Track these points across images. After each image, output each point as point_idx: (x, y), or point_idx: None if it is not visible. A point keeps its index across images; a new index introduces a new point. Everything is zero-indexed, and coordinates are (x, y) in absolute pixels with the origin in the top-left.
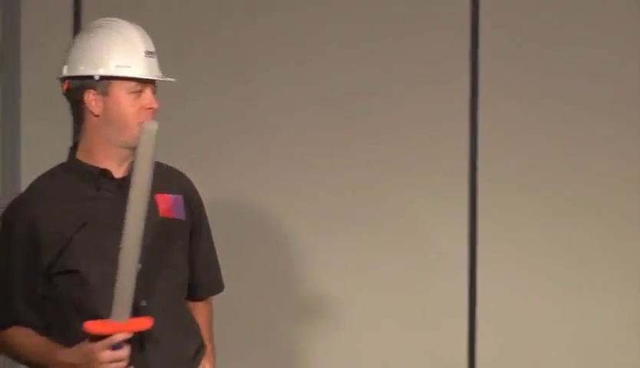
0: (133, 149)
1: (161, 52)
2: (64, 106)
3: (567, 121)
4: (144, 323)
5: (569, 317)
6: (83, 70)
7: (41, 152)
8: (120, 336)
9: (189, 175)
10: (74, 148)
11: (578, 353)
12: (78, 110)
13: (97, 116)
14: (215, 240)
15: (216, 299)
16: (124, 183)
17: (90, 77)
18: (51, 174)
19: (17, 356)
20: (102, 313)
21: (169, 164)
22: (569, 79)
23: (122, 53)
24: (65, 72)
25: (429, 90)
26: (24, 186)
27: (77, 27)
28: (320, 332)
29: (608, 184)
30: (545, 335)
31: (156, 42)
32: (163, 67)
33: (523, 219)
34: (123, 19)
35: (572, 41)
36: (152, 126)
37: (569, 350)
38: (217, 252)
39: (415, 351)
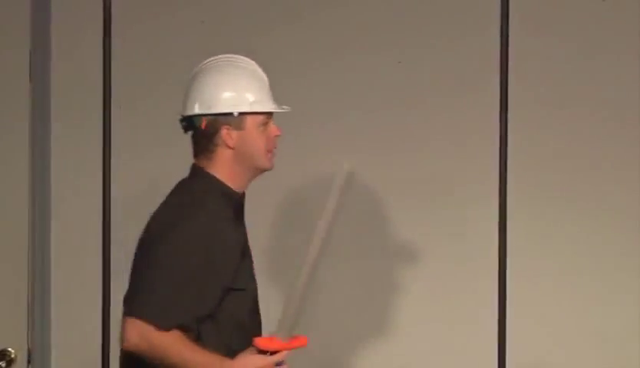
0: (262, 172)
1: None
2: (93, 111)
3: (597, 129)
4: (302, 341)
5: (600, 326)
6: (220, 108)
7: (70, 156)
8: (284, 355)
9: None
10: (206, 172)
11: (612, 362)
12: (210, 143)
13: (231, 148)
14: None
15: None
16: (244, 200)
17: (229, 114)
18: (211, 193)
19: (168, 360)
20: (250, 329)
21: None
22: (602, 87)
23: (254, 90)
24: (197, 110)
25: (458, 100)
26: (54, 190)
27: (106, 33)
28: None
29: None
30: (575, 343)
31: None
32: None
33: (555, 227)
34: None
35: (607, 48)
36: (350, 167)
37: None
38: None
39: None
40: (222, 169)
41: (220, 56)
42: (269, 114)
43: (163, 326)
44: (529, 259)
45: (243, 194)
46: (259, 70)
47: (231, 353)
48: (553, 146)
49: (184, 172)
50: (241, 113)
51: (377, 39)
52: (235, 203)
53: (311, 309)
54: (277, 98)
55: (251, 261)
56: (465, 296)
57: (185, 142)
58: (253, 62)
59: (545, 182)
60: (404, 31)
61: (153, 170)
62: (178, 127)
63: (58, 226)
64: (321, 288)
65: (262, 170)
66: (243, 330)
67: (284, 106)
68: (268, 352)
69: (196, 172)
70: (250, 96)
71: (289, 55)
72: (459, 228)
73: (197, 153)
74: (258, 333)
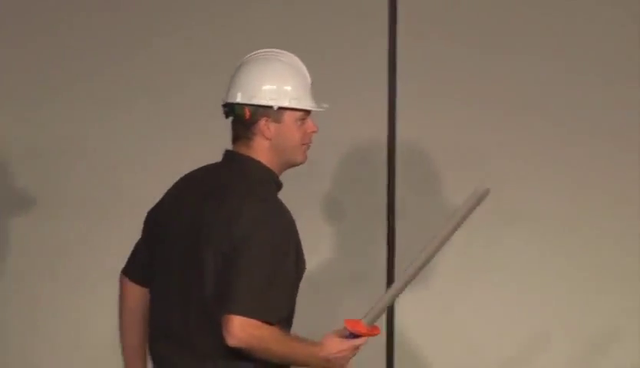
0: (295, 165)
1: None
2: None
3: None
4: (378, 330)
5: None
6: (262, 101)
7: None
8: (364, 340)
9: None
10: (252, 159)
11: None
12: (249, 131)
13: (268, 139)
14: None
15: None
16: None
17: (268, 107)
18: (268, 179)
19: (276, 352)
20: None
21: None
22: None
23: (296, 86)
24: (239, 99)
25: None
26: None
27: None
28: None
29: None
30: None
31: None
32: None
33: None
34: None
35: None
36: (486, 191)
37: None
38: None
39: None
40: (261, 157)
41: (267, 49)
42: (308, 111)
43: (271, 321)
44: None
45: None
46: (303, 68)
47: None
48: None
49: None
50: (280, 108)
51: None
52: (278, 189)
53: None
54: None
55: None
56: None
57: None
58: (298, 59)
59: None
60: (291, 33)
61: None
62: None
63: None
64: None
65: (296, 164)
66: (290, 322)
67: (323, 105)
68: (351, 334)
69: (240, 158)
70: (291, 92)
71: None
72: None
73: (236, 140)
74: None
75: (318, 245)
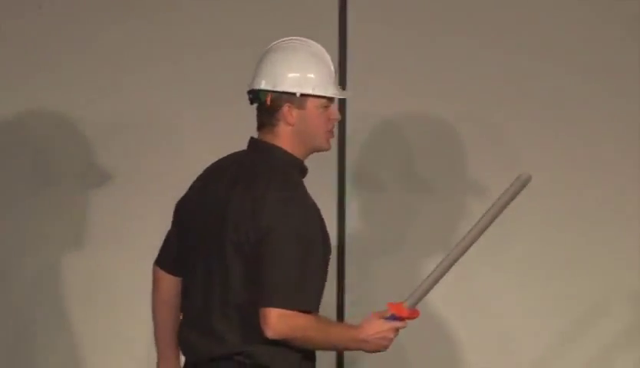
0: (319, 151)
1: None
2: None
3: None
4: (418, 313)
5: None
6: (286, 87)
7: None
8: (404, 323)
9: None
10: (275, 146)
11: None
12: (273, 117)
13: (291, 125)
14: None
15: None
16: None
17: (292, 94)
18: (292, 166)
19: (317, 341)
20: None
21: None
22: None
23: (319, 74)
24: (263, 85)
25: None
26: None
27: None
28: None
29: None
30: None
31: None
32: None
33: None
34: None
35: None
36: (528, 177)
37: None
38: None
39: None
40: (285, 144)
41: (292, 37)
42: (330, 98)
43: (309, 310)
44: None
45: None
46: (327, 56)
47: None
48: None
49: None
50: (302, 95)
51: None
52: (303, 174)
53: None
54: None
55: None
56: None
57: None
58: (321, 48)
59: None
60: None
61: None
62: None
63: None
64: None
65: (320, 150)
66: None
67: (346, 92)
68: (392, 316)
69: (264, 145)
70: (314, 80)
71: None
72: None
73: (260, 127)
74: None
75: None
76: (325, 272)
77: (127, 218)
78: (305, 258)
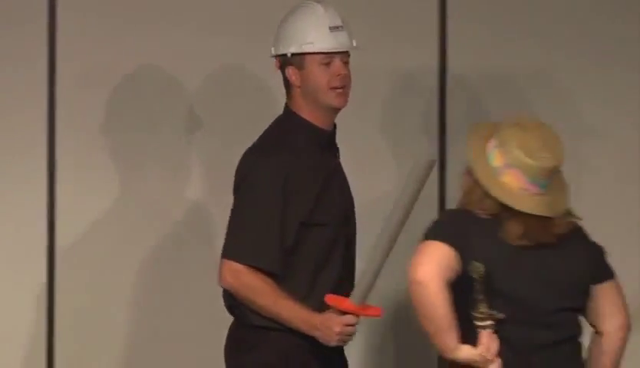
0: (333, 109)
1: None
2: None
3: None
4: (376, 311)
5: None
6: (280, 50)
7: None
8: (352, 318)
9: None
10: (292, 111)
11: None
12: (286, 82)
13: (298, 87)
14: None
15: None
16: (333, 136)
17: (285, 55)
18: (285, 131)
19: (257, 301)
20: (340, 271)
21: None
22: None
23: (307, 30)
24: (273, 51)
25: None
26: None
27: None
28: None
29: None
30: None
31: None
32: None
33: None
34: None
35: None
36: (431, 163)
37: None
38: None
39: None
40: (300, 107)
41: (301, 2)
42: (332, 54)
43: (252, 264)
44: None
45: (331, 131)
46: (324, 13)
47: (314, 292)
48: None
49: None
50: (294, 54)
51: None
52: (322, 140)
53: None
54: None
55: (345, 201)
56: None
57: None
58: (324, 5)
59: None
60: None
61: None
62: None
63: None
64: None
65: (330, 107)
66: (328, 270)
67: (349, 44)
68: (340, 311)
69: (285, 110)
70: (305, 37)
71: None
72: None
73: (286, 92)
74: (350, 278)
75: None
76: (283, 232)
77: None
78: (258, 215)
